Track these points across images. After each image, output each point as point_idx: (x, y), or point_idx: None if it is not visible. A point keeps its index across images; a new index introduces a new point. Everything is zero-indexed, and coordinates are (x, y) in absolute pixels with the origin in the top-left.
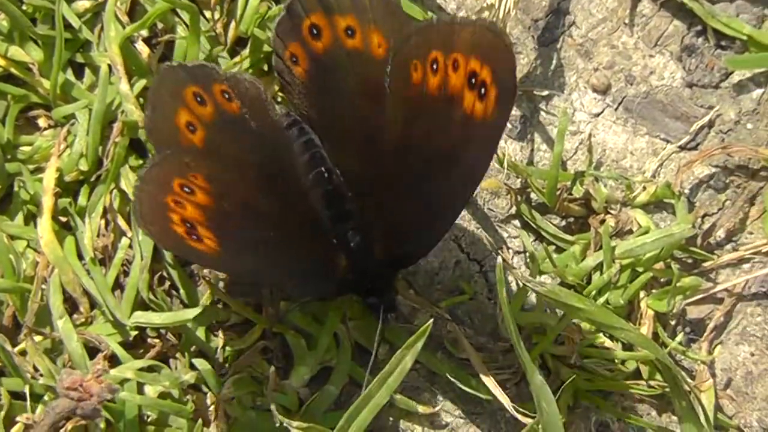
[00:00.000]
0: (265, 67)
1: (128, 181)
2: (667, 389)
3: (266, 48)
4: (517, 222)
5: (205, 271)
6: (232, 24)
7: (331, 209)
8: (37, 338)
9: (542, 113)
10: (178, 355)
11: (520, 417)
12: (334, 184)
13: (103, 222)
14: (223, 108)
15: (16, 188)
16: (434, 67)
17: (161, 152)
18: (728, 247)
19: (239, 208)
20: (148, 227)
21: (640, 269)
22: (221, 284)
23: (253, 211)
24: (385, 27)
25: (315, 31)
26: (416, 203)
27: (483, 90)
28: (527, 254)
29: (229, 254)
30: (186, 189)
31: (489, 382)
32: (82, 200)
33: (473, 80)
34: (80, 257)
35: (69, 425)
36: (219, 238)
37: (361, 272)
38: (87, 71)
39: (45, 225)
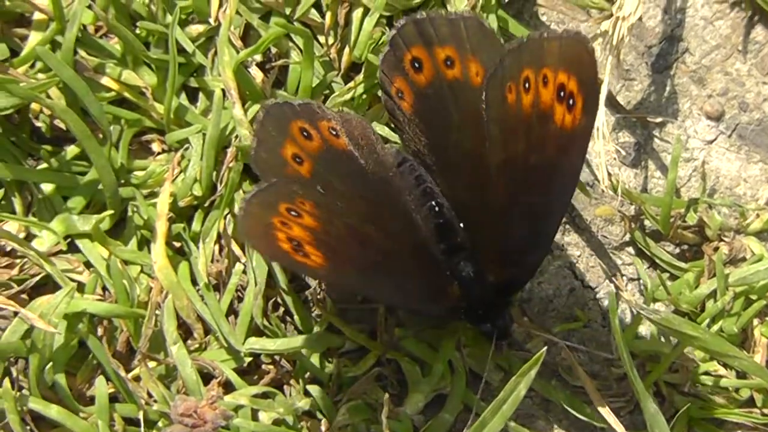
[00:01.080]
0: (380, 92)
1: None
2: None
3: None
4: (631, 249)
5: (320, 296)
6: (346, 49)
7: (443, 242)
8: (151, 364)
9: (656, 140)
10: (292, 381)
11: None
12: (445, 217)
13: (217, 247)
14: (331, 143)
15: (129, 213)
16: (526, 85)
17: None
18: None
19: (348, 234)
20: (252, 242)
21: (754, 297)
22: (336, 310)
23: (362, 238)
24: (482, 55)
25: (417, 65)
26: (521, 224)
27: (571, 101)
28: (641, 281)
29: (336, 271)
30: (293, 212)
31: (604, 410)
32: (195, 225)
33: (562, 93)
34: (194, 283)
35: None
36: (326, 257)
37: (474, 300)
38: (201, 96)
39: (159, 250)
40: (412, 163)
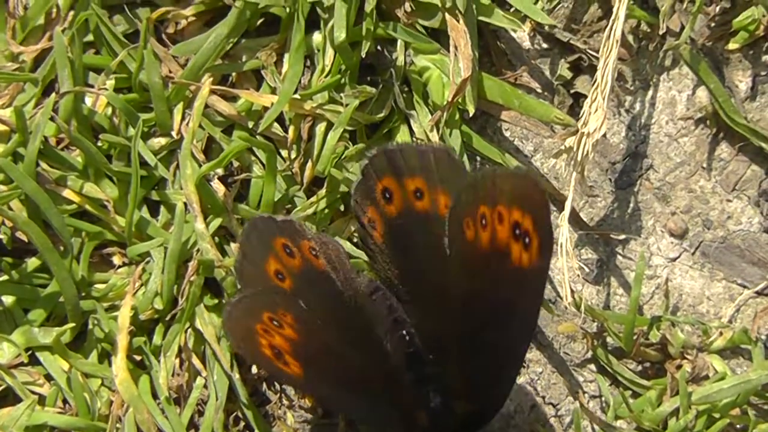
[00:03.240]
0: (342, 208)
1: (203, 321)
2: None
3: (343, 188)
4: (593, 366)
5: (280, 411)
6: (309, 163)
7: (413, 371)
8: None
9: (619, 257)
10: None
11: None
12: (415, 347)
13: (177, 361)
14: (311, 263)
15: (90, 326)
16: (483, 222)
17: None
18: None
19: (324, 350)
20: (236, 344)
21: (717, 415)
22: (296, 425)
23: (337, 357)
24: (451, 187)
25: (387, 195)
26: (484, 359)
27: (527, 239)
28: (603, 399)
29: (312, 384)
30: (275, 322)
31: None
32: (156, 339)
33: (517, 231)
34: (155, 396)
35: None
36: (304, 368)
37: (442, 430)
38: (162, 209)
39: (120, 364)
40: (385, 291)
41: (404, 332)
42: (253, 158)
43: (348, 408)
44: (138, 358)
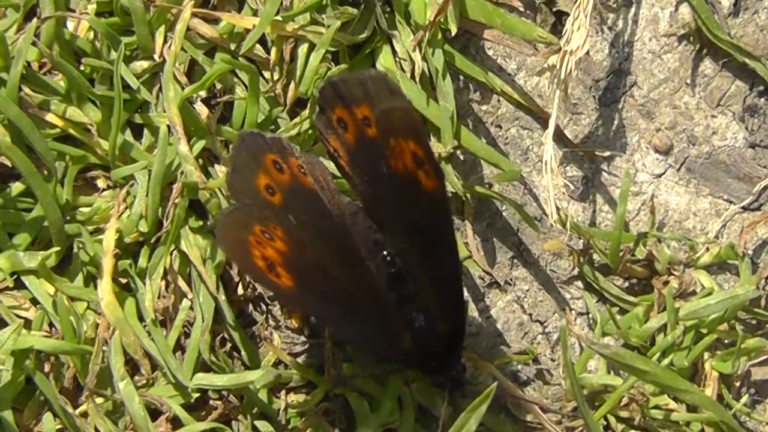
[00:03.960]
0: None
1: (188, 243)
2: None
3: None
4: (579, 283)
5: (266, 332)
6: (292, 85)
7: (394, 291)
8: (99, 400)
9: (604, 174)
10: (240, 417)
11: None
12: (396, 267)
13: (163, 283)
14: (300, 181)
15: (75, 249)
16: (396, 151)
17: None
18: None
19: (314, 264)
20: (229, 254)
21: (704, 331)
22: (283, 345)
23: (326, 272)
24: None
25: (342, 124)
26: (437, 277)
27: (426, 166)
28: (590, 316)
29: (303, 297)
30: (266, 235)
31: None
32: (142, 262)
33: (417, 159)
34: (141, 319)
35: None
36: (296, 281)
37: (426, 350)
38: (146, 132)
39: (105, 287)
40: (364, 214)
41: (385, 253)
42: (235, 80)
43: (337, 324)
44: (123, 281)
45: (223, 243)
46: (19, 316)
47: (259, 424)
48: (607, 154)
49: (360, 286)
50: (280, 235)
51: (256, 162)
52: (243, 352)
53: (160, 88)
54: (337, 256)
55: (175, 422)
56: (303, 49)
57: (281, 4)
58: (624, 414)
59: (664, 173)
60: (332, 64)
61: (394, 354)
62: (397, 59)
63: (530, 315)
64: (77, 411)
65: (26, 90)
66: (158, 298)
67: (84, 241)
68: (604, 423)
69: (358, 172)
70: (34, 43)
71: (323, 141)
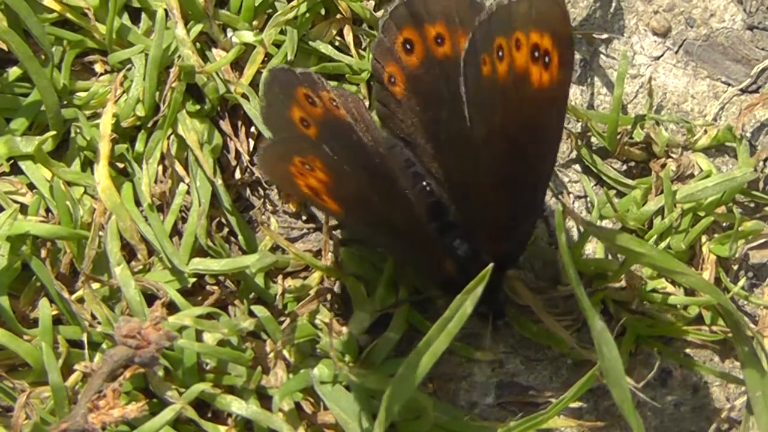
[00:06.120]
0: (323, 11)
1: (185, 127)
2: (730, 335)
3: None
4: (577, 166)
5: (263, 217)
6: None
7: (436, 221)
8: (95, 286)
9: (602, 57)
10: (236, 302)
11: (584, 354)
12: (436, 197)
13: (160, 168)
14: (333, 113)
15: (72, 134)
16: (500, 54)
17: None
18: None
19: (354, 193)
20: (279, 186)
21: (702, 214)
22: (280, 230)
23: (365, 199)
24: (471, 27)
25: (408, 46)
26: (510, 196)
27: (546, 59)
28: (588, 199)
29: (351, 220)
30: (306, 165)
31: (550, 323)
32: (139, 146)
33: (536, 53)
34: (138, 204)
35: (127, 373)
36: (341, 206)
37: (470, 277)
38: (143, 16)
39: (102, 171)
40: (402, 147)
41: (425, 183)
42: None
43: (387, 250)
44: (120, 165)
45: (268, 175)
46: (15, 201)
47: (255, 309)
48: (604, 36)
49: (400, 216)
50: (318, 165)
51: (289, 96)
52: (240, 237)
53: None
54: (375, 185)
55: (172, 307)
56: None
57: None
58: (621, 298)
59: (662, 56)
60: None
61: (439, 279)
62: None
63: None
64: (73, 296)
65: None
66: (155, 182)
67: (81, 126)
68: (601, 307)
69: (416, 97)
70: None
71: (377, 70)
